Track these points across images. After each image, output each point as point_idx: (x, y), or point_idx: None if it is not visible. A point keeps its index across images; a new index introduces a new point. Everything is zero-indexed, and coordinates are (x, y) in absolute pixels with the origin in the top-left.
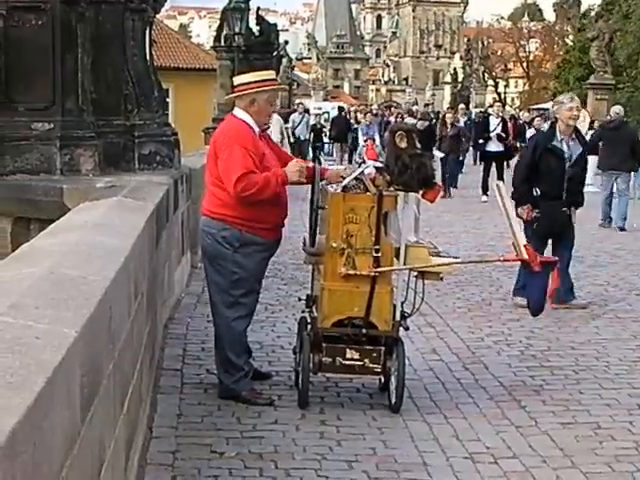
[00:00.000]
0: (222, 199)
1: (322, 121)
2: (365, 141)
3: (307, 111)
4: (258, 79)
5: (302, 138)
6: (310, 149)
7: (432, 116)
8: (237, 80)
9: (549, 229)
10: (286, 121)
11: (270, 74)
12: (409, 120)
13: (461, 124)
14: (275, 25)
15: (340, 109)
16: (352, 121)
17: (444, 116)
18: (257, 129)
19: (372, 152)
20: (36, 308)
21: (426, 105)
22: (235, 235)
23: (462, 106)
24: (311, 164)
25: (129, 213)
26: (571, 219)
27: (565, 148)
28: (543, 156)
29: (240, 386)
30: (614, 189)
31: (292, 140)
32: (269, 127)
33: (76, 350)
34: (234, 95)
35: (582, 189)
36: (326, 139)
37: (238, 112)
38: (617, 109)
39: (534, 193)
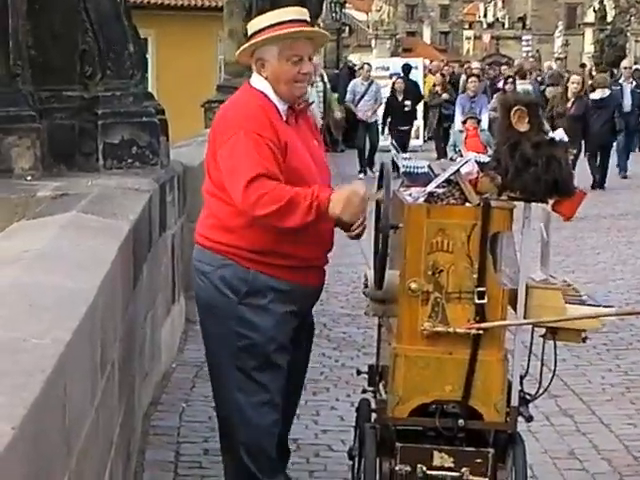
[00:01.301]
0: (221, 217)
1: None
2: (464, 123)
3: (353, 71)
4: (266, 24)
5: (369, 121)
6: (387, 137)
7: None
8: (250, 28)
9: None
10: (334, 89)
11: (288, 13)
12: (524, 86)
13: (605, 93)
14: None
15: (405, 68)
16: (421, 87)
17: (567, 80)
18: (282, 106)
19: (475, 140)
20: None
21: (557, 60)
22: (241, 275)
23: (627, 63)
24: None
25: (91, 238)
26: None
27: None
28: None
29: None
30: None
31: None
32: (312, 101)
33: (13, 456)
34: (238, 55)
35: None
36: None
37: (255, 80)
38: None
39: None
